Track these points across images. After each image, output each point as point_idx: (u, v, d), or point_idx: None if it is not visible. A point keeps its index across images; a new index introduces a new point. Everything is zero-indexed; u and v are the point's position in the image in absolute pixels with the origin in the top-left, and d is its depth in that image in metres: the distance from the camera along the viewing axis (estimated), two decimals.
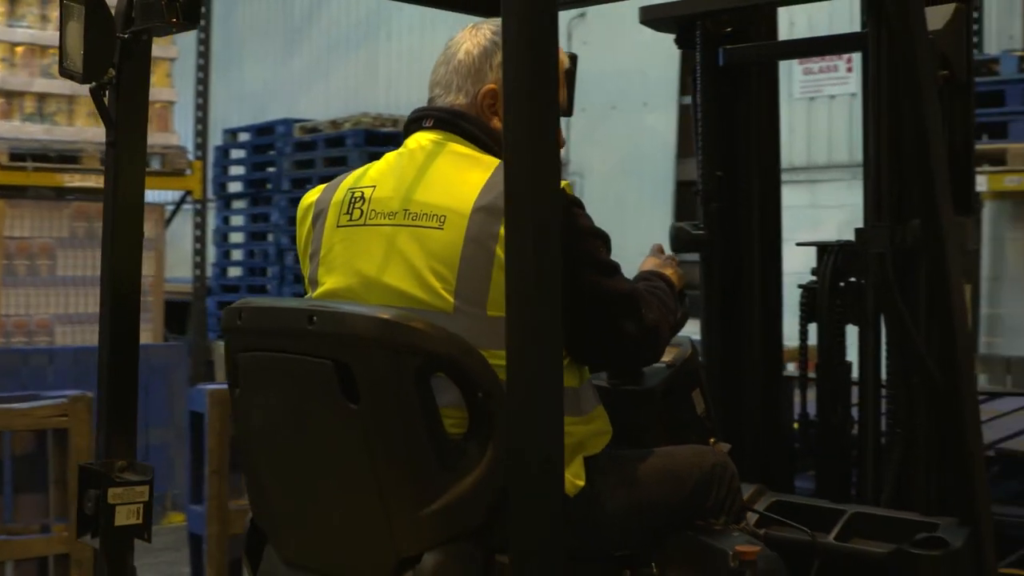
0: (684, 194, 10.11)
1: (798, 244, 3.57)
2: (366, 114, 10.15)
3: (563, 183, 2.16)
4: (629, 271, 2.52)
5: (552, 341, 1.89)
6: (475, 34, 2.46)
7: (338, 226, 2.41)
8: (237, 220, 11.09)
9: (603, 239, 2.33)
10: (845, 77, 8.94)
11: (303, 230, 2.52)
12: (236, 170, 11.04)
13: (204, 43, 10.23)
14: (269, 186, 10.52)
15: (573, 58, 2.95)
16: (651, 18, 3.59)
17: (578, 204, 2.31)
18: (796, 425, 3.61)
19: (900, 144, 3.10)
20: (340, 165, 9.48)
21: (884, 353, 3.25)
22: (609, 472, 2.37)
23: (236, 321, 2.38)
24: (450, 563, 2.15)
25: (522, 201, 1.87)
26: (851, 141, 8.78)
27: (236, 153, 11.09)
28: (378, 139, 9.61)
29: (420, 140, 2.43)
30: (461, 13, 3.50)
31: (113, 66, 2.52)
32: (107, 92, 2.54)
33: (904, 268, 3.11)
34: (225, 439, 4.46)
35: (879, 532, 2.94)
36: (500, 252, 2.18)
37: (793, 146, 8.69)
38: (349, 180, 2.48)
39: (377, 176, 2.43)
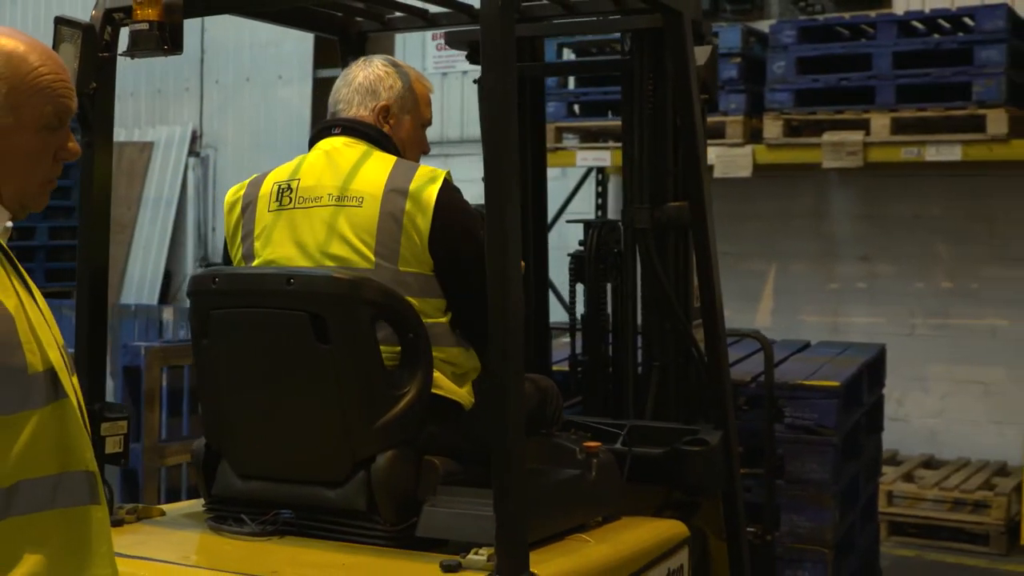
0: None
1: (568, 221, 4.48)
2: None
3: (444, 173, 2.98)
4: None
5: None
6: (367, 65, 3.27)
7: (269, 211, 3.09)
8: None
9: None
10: None
11: (231, 218, 3.21)
12: None
13: None
14: None
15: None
16: (451, 42, 4.36)
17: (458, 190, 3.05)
18: (568, 367, 4.44)
19: (655, 145, 3.96)
20: None
21: (639, 306, 4.06)
22: (484, 393, 3.03)
23: (210, 284, 3.02)
24: (396, 462, 2.83)
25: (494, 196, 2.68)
26: (465, 117, 9.21)
27: None
28: None
29: (333, 143, 3.15)
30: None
31: (96, 80, 3.06)
32: (86, 101, 3.05)
33: (660, 240, 3.91)
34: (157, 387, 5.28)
35: (653, 438, 3.71)
36: (405, 222, 2.93)
37: None
38: (272, 176, 3.16)
39: (299, 171, 3.12)
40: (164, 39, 2.96)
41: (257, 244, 3.11)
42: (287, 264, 3.01)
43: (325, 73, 10.85)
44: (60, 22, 2.99)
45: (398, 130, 3.23)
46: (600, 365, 4.27)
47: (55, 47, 2.94)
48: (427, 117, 3.33)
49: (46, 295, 2.15)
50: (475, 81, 3.35)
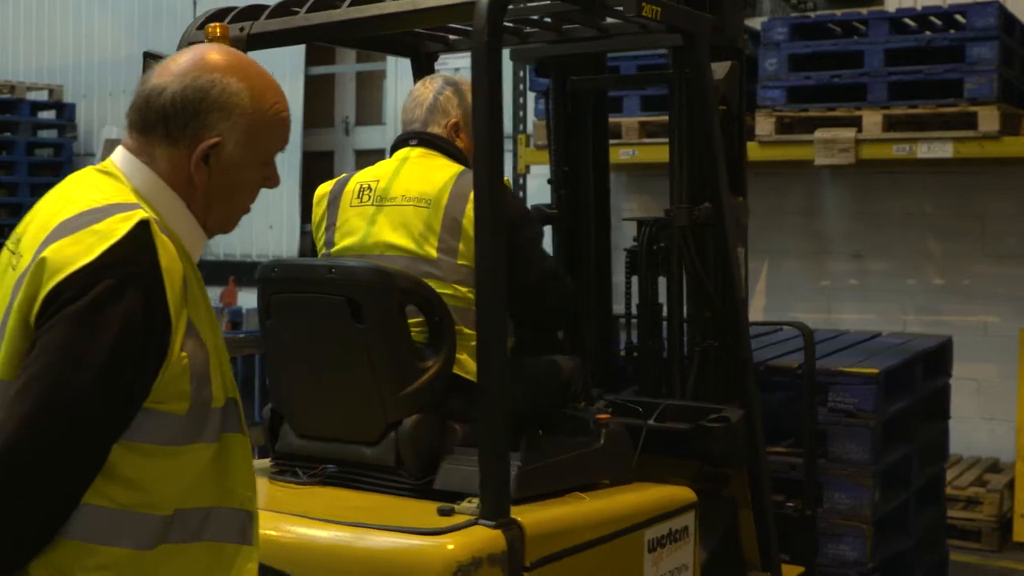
0: (310, 164, 10.65)
1: (623, 219, 4.84)
2: None
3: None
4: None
5: (497, 292, 3.02)
6: (432, 84, 3.77)
7: (351, 206, 3.61)
8: None
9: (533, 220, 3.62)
10: None
11: (318, 210, 3.70)
12: None
13: None
14: None
15: None
16: (519, 58, 4.70)
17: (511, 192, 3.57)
18: (623, 353, 4.85)
19: (693, 151, 4.28)
20: None
21: (685, 297, 4.41)
22: (512, 368, 3.35)
23: (271, 273, 3.52)
24: (419, 425, 3.30)
25: (483, 192, 3.02)
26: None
27: None
28: None
29: (409, 153, 3.64)
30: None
31: None
32: None
33: (699, 236, 4.22)
34: None
35: (685, 416, 4.02)
36: (464, 223, 3.38)
37: None
38: (357, 176, 3.68)
39: (379, 174, 3.62)
40: None
41: (337, 234, 3.62)
42: (361, 252, 3.53)
43: (317, 71, 10.87)
44: (148, 56, 3.39)
45: (467, 143, 3.69)
46: (652, 352, 4.64)
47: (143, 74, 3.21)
48: None
49: None
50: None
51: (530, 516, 3.11)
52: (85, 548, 1.91)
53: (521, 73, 8.90)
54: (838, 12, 7.77)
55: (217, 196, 2.08)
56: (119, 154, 2.09)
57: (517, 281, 3.24)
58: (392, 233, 3.49)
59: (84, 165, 10.44)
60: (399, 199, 3.51)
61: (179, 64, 2.06)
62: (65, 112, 12.26)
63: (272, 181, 2.17)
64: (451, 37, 4.37)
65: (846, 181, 8.25)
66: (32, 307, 1.89)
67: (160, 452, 1.93)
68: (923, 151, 6.96)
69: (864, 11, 7.60)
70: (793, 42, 7.32)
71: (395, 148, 3.73)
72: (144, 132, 2.06)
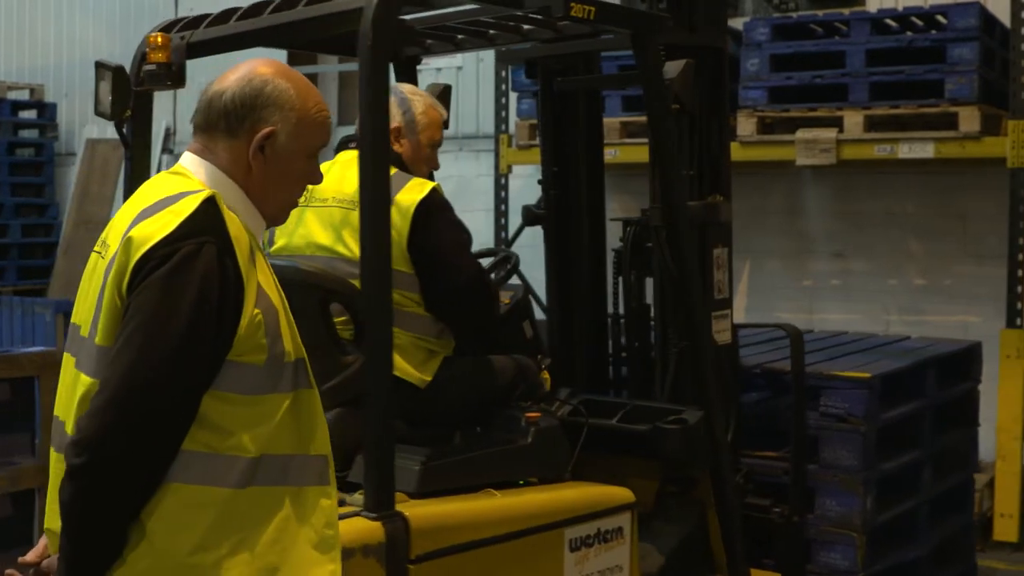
0: None
1: (611, 219, 4.78)
2: None
3: (433, 184, 3.45)
4: None
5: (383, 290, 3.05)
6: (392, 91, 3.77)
7: None
8: None
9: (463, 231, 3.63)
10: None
11: None
12: None
13: None
14: None
15: (448, 88, 4.10)
16: (505, 59, 4.61)
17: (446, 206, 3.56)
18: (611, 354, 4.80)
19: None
20: None
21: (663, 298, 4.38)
22: (451, 369, 3.63)
23: None
24: (340, 419, 3.29)
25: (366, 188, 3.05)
26: (457, 113, 9.62)
27: None
28: None
29: (349, 155, 3.70)
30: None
31: (129, 108, 3.68)
32: (124, 125, 3.75)
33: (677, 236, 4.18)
34: None
35: (648, 417, 3.97)
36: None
37: None
38: None
39: None
40: (169, 76, 3.54)
41: (276, 234, 3.72)
42: (293, 252, 3.62)
43: (299, 71, 10.82)
44: (99, 65, 3.63)
45: (406, 148, 3.76)
46: (638, 352, 4.68)
47: (96, 84, 3.62)
48: (437, 139, 3.87)
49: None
50: None
51: (421, 510, 3.11)
52: (187, 490, 2.21)
53: (503, 73, 8.88)
54: (820, 13, 7.79)
55: (272, 184, 2.42)
56: (186, 158, 2.45)
57: (443, 287, 3.50)
58: (322, 233, 3.61)
59: (65, 165, 10.51)
60: (329, 200, 3.63)
61: (236, 73, 2.43)
62: (46, 112, 12.21)
63: (316, 177, 2.52)
64: (427, 41, 4.35)
65: (828, 181, 8.27)
66: (123, 279, 2.23)
67: (243, 400, 2.24)
68: (904, 151, 6.98)
69: (846, 12, 7.62)
70: (775, 42, 7.34)
71: (337, 150, 3.85)
72: (207, 130, 2.42)
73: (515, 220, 8.82)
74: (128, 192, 3.71)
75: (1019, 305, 7.00)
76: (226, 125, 2.39)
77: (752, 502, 4.58)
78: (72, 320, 2.45)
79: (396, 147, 3.73)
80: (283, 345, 2.30)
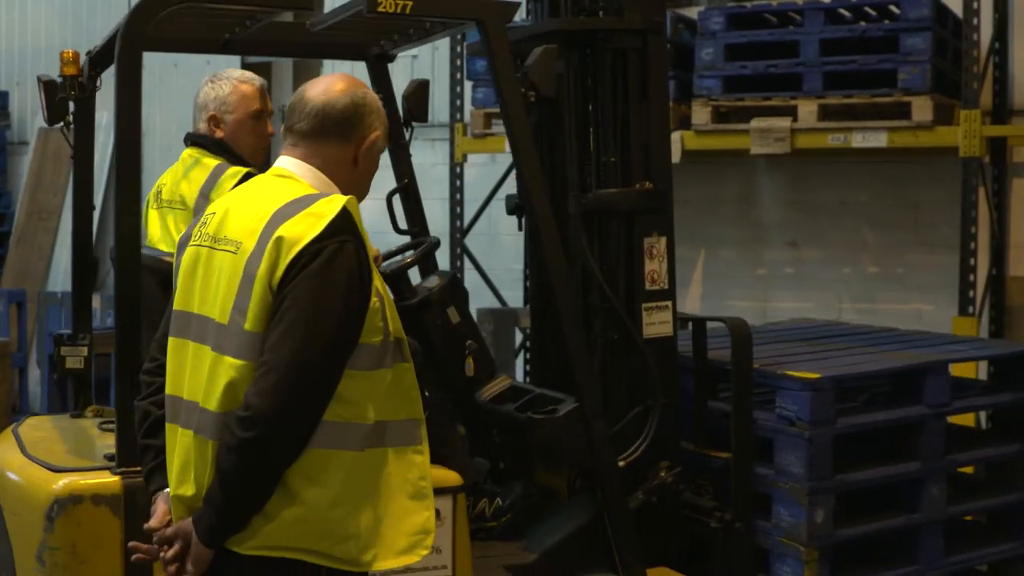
0: None
1: (508, 213, 4.71)
2: None
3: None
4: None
5: None
6: (205, 84, 4.17)
7: (150, 208, 4.24)
8: None
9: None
10: None
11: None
12: None
13: None
14: None
15: (424, 83, 4.23)
16: (474, 50, 4.65)
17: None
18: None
19: (581, 138, 4.26)
20: None
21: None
22: None
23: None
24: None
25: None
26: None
27: None
28: None
29: (183, 154, 4.21)
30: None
31: (70, 113, 4.25)
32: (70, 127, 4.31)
33: (602, 225, 4.22)
34: None
35: (545, 405, 3.98)
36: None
37: None
38: (157, 181, 4.31)
39: (164, 178, 4.28)
40: (74, 87, 4.27)
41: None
42: (147, 245, 4.06)
43: (253, 59, 10.77)
44: (40, 79, 4.30)
45: (227, 130, 4.03)
46: (559, 344, 4.43)
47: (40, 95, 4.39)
48: (256, 108, 4.09)
49: None
50: None
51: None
52: (324, 454, 2.59)
53: (458, 62, 8.86)
54: (774, 2, 7.80)
55: (367, 178, 2.87)
56: (287, 162, 2.82)
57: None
58: (157, 230, 4.07)
59: (18, 154, 10.41)
60: (164, 203, 4.09)
61: (333, 86, 2.81)
62: None
63: (375, 170, 2.92)
64: (395, 37, 4.34)
65: (782, 170, 8.30)
66: (274, 274, 2.59)
67: (362, 376, 2.63)
68: (858, 140, 7.01)
69: (800, 1, 7.63)
70: (729, 32, 7.34)
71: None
72: (320, 137, 2.79)
73: (470, 209, 8.83)
74: (79, 187, 4.43)
75: (971, 293, 7.05)
76: (341, 132, 2.79)
77: (694, 503, 4.44)
78: (187, 309, 2.77)
79: (218, 132, 4.04)
80: (389, 327, 2.68)
